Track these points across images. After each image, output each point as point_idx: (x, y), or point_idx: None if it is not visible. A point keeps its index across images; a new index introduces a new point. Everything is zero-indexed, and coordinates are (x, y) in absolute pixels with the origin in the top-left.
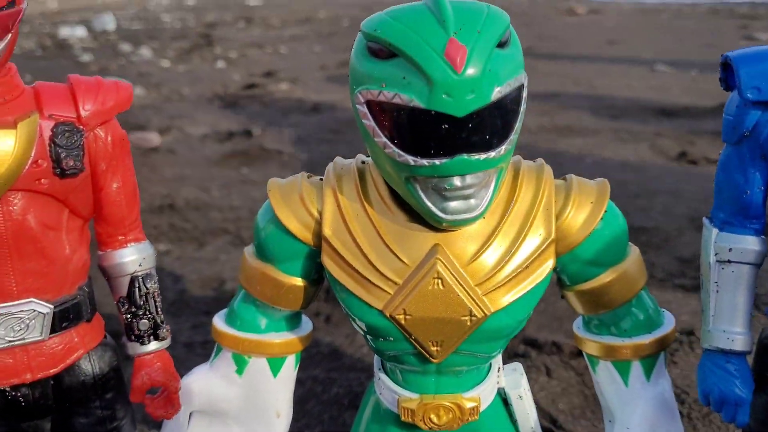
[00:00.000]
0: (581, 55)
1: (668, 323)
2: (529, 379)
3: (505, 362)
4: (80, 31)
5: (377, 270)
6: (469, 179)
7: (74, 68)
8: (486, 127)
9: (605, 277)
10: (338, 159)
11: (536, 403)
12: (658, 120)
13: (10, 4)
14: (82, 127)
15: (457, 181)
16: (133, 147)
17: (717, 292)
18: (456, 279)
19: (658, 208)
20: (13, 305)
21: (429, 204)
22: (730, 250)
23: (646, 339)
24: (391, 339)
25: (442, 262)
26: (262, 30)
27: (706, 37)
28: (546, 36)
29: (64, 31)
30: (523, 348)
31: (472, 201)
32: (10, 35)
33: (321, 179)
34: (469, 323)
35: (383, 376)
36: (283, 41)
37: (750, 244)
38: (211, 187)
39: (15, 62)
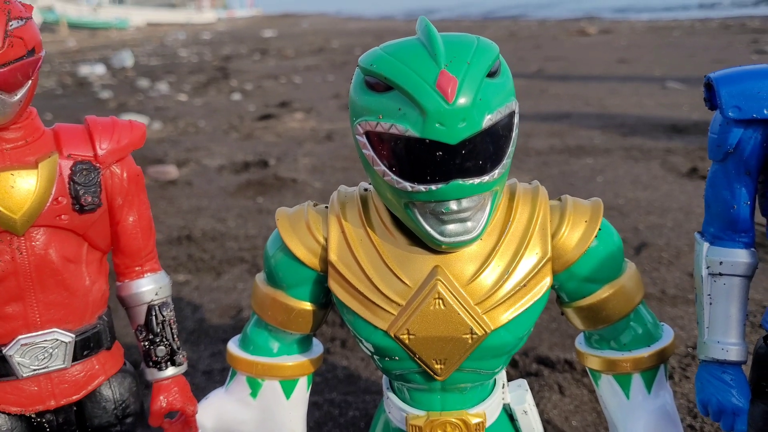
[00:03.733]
0: (592, 75)
1: (667, 336)
2: (542, 397)
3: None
4: (99, 69)
5: (381, 292)
6: (465, 203)
7: (94, 105)
8: (478, 153)
9: (602, 293)
10: (342, 187)
11: (549, 421)
12: (668, 137)
13: (30, 52)
14: (99, 165)
15: (453, 205)
16: (152, 180)
17: (710, 304)
18: (456, 299)
19: (669, 225)
20: (37, 335)
21: (428, 228)
22: (721, 263)
23: (645, 352)
24: (397, 358)
25: (442, 282)
26: (277, 61)
27: (718, 53)
28: (557, 57)
29: (84, 69)
30: (535, 366)
31: (469, 224)
32: (30, 81)
33: (326, 207)
34: (470, 341)
35: (391, 395)
36: (298, 71)
37: (740, 256)
38: (228, 218)
39: (36, 101)
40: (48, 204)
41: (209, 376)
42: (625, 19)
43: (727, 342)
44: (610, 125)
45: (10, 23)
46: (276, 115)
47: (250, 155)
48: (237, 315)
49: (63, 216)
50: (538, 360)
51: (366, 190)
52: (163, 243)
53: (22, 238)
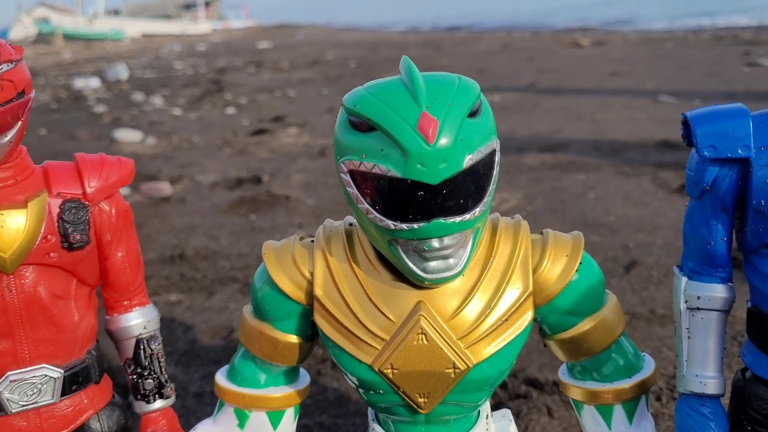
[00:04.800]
0: (584, 89)
1: (648, 367)
2: (530, 420)
3: (507, 403)
4: (94, 82)
5: (365, 327)
6: (447, 240)
7: (88, 120)
8: (459, 192)
9: (583, 326)
10: (327, 221)
11: None
12: (660, 153)
13: (19, 94)
14: (87, 202)
15: (435, 243)
16: (145, 197)
17: (689, 338)
18: (439, 333)
19: (659, 242)
20: (26, 371)
21: (410, 264)
22: (699, 297)
23: (626, 384)
24: (381, 392)
25: (425, 318)
26: (271, 74)
27: (710, 65)
28: (549, 70)
29: (79, 83)
30: (524, 388)
31: (451, 260)
32: (20, 123)
33: (312, 241)
34: (453, 375)
35: (377, 427)
36: (292, 85)
37: (717, 291)
38: (220, 236)
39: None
40: (37, 242)
41: (200, 398)
42: (619, 30)
43: (705, 375)
44: (602, 140)
45: (0, 67)
46: (270, 130)
47: (243, 171)
48: (228, 336)
49: (52, 254)
50: (526, 382)
51: (351, 225)
52: (155, 262)
53: (12, 277)
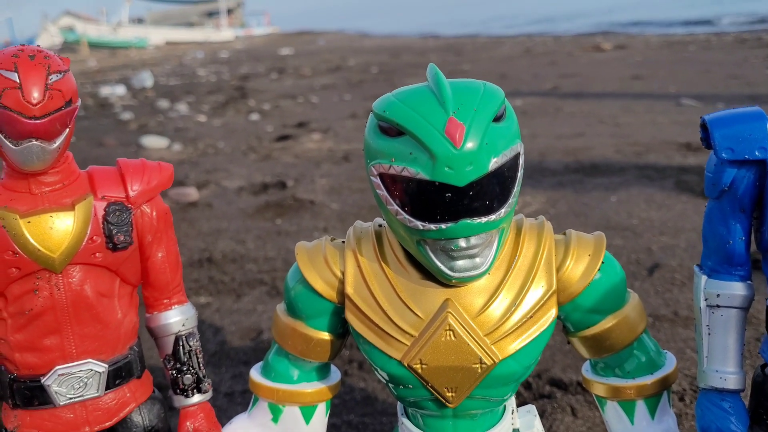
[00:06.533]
0: (607, 92)
1: (669, 364)
2: (554, 420)
3: (531, 402)
4: (120, 90)
5: (395, 324)
6: (473, 240)
7: (115, 127)
8: (485, 194)
9: (606, 323)
10: (358, 223)
11: None
12: (683, 156)
13: (67, 103)
14: (130, 205)
15: (462, 243)
16: (173, 203)
17: (709, 334)
18: (466, 330)
19: (682, 245)
20: (73, 366)
21: (438, 263)
22: (718, 295)
23: (648, 380)
24: (410, 387)
25: (452, 315)
26: (294, 80)
27: (733, 68)
28: (572, 74)
29: (105, 90)
30: (548, 389)
31: (477, 259)
32: (67, 130)
33: (343, 242)
34: (479, 370)
35: (406, 421)
36: (314, 91)
37: (736, 289)
38: (247, 240)
39: None
40: (84, 243)
41: (231, 398)
42: (641, 33)
43: (725, 371)
44: (624, 144)
45: (50, 77)
46: (294, 136)
47: (268, 176)
48: (257, 337)
49: (97, 254)
50: (551, 382)
51: (380, 226)
52: (185, 265)
53: (60, 276)
